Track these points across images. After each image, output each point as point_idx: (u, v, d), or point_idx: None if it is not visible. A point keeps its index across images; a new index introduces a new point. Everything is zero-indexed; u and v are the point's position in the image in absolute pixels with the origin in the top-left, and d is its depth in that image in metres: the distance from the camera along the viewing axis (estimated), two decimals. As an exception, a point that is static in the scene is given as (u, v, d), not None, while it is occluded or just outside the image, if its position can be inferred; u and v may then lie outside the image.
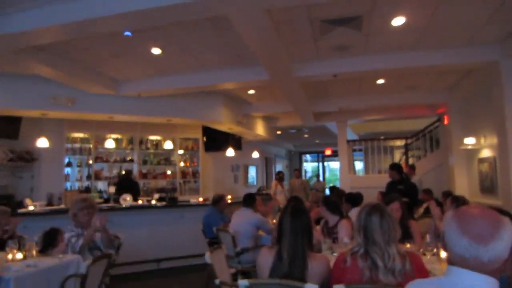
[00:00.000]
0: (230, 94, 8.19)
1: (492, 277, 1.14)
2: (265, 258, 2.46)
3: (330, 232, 3.77)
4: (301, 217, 2.42)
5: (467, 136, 7.02)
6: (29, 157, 7.80)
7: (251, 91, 8.02)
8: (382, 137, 10.84)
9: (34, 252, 3.49)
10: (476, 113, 7.18)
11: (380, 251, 2.10)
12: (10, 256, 3.27)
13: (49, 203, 7.31)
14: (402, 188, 5.83)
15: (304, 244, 2.36)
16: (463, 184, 7.61)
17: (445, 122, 8.66)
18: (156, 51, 5.40)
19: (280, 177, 9.73)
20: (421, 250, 3.11)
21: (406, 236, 3.42)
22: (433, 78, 7.29)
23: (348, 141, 10.57)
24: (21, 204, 6.26)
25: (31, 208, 5.84)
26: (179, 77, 6.61)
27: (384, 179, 6.97)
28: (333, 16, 4.44)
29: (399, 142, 11.84)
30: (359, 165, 12.93)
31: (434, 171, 9.23)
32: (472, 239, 1.16)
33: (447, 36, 5.13)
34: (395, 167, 6.21)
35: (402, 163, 9.72)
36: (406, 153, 10.57)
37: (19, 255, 3.34)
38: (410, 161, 10.26)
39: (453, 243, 1.20)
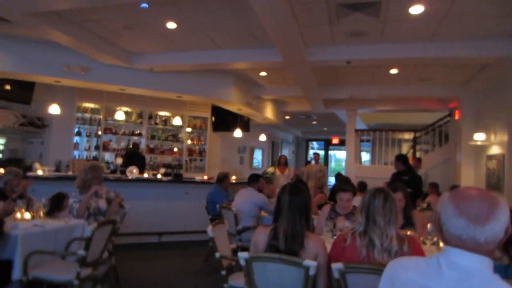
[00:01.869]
0: (242, 75, 8.17)
1: (487, 257, 1.15)
2: (261, 236, 2.47)
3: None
4: (299, 196, 2.43)
5: (477, 132, 6.96)
6: (40, 123, 7.91)
7: (263, 73, 7.98)
8: (390, 129, 10.77)
9: (41, 213, 3.60)
10: (488, 109, 7.10)
11: (379, 231, 2.14)
12: (18, 215, 3.37)
13: (57, 170, 7.44)
14: (406, 179, 5.84)
15: (302, 222, 2.38)
16: (469, 180, 7.58)
17: (456, 117, 8.57)
18: (170, 26, 5.38)
19: (279, 161, 9.46)
20: (421, 238, 3.14)
21: (409, 224, 3.45)
22: (447, 71, 7.19)
23: (357, 131, 10.53)
24: (30, 168, 6.39)
25: (39, 172, 5.96)
26: (192, 54, 6.59)
27: (390, 171, 6.98)
28: (351, 1, 4.37)
29: (408, 135, 11.76)
30: (365, 157, 12.88)
31: (441, 165, 9.19)
32: (470, 220, 1.15)
33: (465, 28, 5.04)
34: (400, 158, 6.21)
35: (409, 156, 9.69)
36: (414, 146, 10.52)
37: (27, 215, 3.45)
38: (418, 154, 10.22)
39: (450, 224, 1.19)
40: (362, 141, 10.90)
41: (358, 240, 2.19)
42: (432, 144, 10.01)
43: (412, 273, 1.24)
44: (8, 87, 7.21)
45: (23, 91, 7.44)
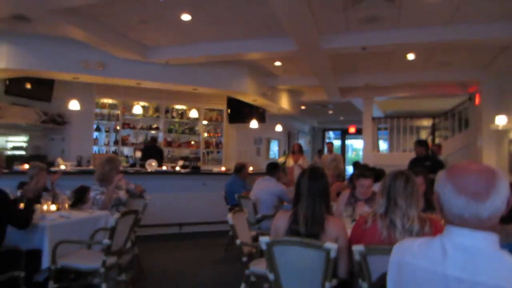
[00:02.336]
0: (256, 66, 8.15)
1: (491, 233, 1.12)
2: (281, 220, 2.50)
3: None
4: (318, 179, 2.44)
5: (499, 115, 6.79)
6: (61, 119, 8.10)
7: (278, 63, 7.95)
8: (408, 116, 10.60)
9: (66, 206, 3.71)
10: (510, 92, 6.91)
11: (400, 213, 2.14)
12: (45, 207, 3.49)
13: (79, 165, 7.62)
14: (429, 164, 5.76)
15: (322, 206, 2.40)
16: (491, 165, 7.41)
17: (476, 101, 8.38)
18: (185, 18, 5.40)
19: (292, 149, 9.25)
20: (442, 222, 3.10)
21: (430, 208, 3.41)
22: (466, 55, 7.01)
23: (374, 118, 10.41)
24: (53, 164, 6.56)
25: (62, 167, 6.13)
26: (207, 46, 6.60)
27: (408, 158, 6.88)
28: (366, -16, 4.31)
29: (426, 122, 11.57)
30: (383, 145, 12.74)
31: (461, 151, 9.03)
32: (470, 198, 1.12)
33: (484, 9, 4.88)
34: (422, 143, 6.14)
35: (429, 142, 9.54)
36: (433, 133, 10.35)
37: (53, 207, 3.56)
38: (437, 141, 10.06)
39: (450, 203, 1.15)
40: (379, 129, 10.78)
41: (379, 221, 2.20)
42: (452, 129, 9.83)
43: (418, 259, 1.20)
44: (29, 85, 7.39)
45: (43, 89, 7.62)
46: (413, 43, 5.85)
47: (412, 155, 6.65)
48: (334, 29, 5.73)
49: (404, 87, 9.70)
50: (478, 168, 1.17)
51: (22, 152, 7.82)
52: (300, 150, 9.09)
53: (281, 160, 9.32)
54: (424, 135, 12.29)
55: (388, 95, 10.33)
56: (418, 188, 2.25)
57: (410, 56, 7.16)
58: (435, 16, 5.16)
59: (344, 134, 19.07)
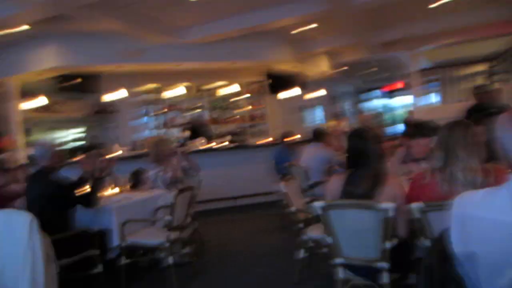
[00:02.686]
0: (291, 32, 7.93)
1: None
2: (335, 184, 2.49)
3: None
4: (368, 140, 2.41)
5: None
6: (112, 109, 8.56)
7: (313, 26, 7.66)
8: (461, 63, 9.87)
9: (128, 188, 3.97)
10: None
11: (462, 164, 2.02)
12: (109, 191, 3.75)
13: (133, 149, 8.02)
14: (495, 111, 5.34)
15: (376, 166, 2.36)
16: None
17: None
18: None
19: (335, 114, 9.22)
20: (508, 171, 2.93)
21: (494, 159, 3.21)
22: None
23: (422, 70, 9.82)
24: (111, 151, 6.97)
25: (120, 153, 6.52)
26: (238, 18, 6.53)
27: (464, 109, 6.45)
28: None
29: (481, 67, 10.71)
30: (435, 97, 12.06)
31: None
32: None
33: None
34: (481, 88, 5.70)
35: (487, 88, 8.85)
36: (490, 78, 9.58)
37: (116, 190, 3.82)
38: (496, 85, 9.31)
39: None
40: (429, 81, 10.18)
41: (438, 176, 2.10)
42: (512, 72, 9.03)
43: (482, 210, 1.13)
44: (79, 80, 7.81)
45: (92, 82, 8.00)
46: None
47: (468, 104, 6.21)
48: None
49: (451, 32, 8.97)
50: None
51: (82, 143, 8.43)
52: (343, 114, 9.04)
53: (329, 125, 9.24)
54: (481, 81, 11.44)
55: (434, 44, 9.63)
56: (479, 137, 2.12)
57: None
58: None
59: (391, 92, 18.20)
